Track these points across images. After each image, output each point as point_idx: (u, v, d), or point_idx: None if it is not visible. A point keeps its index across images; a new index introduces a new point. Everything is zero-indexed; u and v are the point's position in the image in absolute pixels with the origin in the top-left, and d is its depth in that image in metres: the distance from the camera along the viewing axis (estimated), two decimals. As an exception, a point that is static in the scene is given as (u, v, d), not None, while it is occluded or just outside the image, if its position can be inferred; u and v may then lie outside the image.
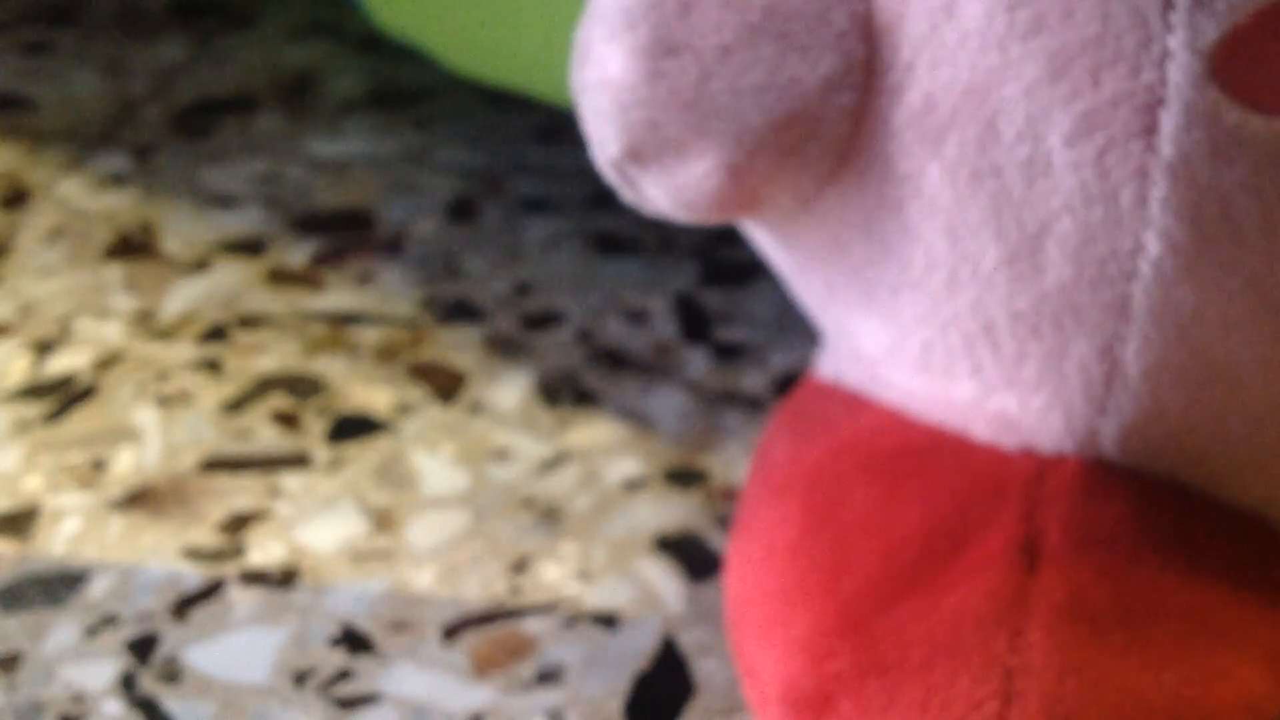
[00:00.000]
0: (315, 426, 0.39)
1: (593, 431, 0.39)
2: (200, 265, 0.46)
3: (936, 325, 0.29)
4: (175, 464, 0.38)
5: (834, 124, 0.27)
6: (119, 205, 0.49)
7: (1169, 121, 0.25)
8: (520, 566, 0.35)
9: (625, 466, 0.38)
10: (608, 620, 0.33)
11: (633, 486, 0.37)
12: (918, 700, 0.26)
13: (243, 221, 0.48)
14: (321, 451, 0.38)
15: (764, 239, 0.32)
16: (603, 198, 0.48)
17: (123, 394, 0.40)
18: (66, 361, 0.42)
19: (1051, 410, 0.29)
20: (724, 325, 0.43)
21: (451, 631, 0.33)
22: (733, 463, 0.38)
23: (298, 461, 0.38)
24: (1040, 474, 0.29)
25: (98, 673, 0.32)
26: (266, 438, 0.39)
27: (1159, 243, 0.26)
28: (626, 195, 0.29)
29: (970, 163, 0.27)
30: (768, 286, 0.44)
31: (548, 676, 0.32)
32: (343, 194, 0.49)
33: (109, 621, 0.33)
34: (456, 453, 0.38)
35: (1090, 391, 0.28)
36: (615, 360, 0.41)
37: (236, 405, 0.40)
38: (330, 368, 0.41)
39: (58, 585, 0.34)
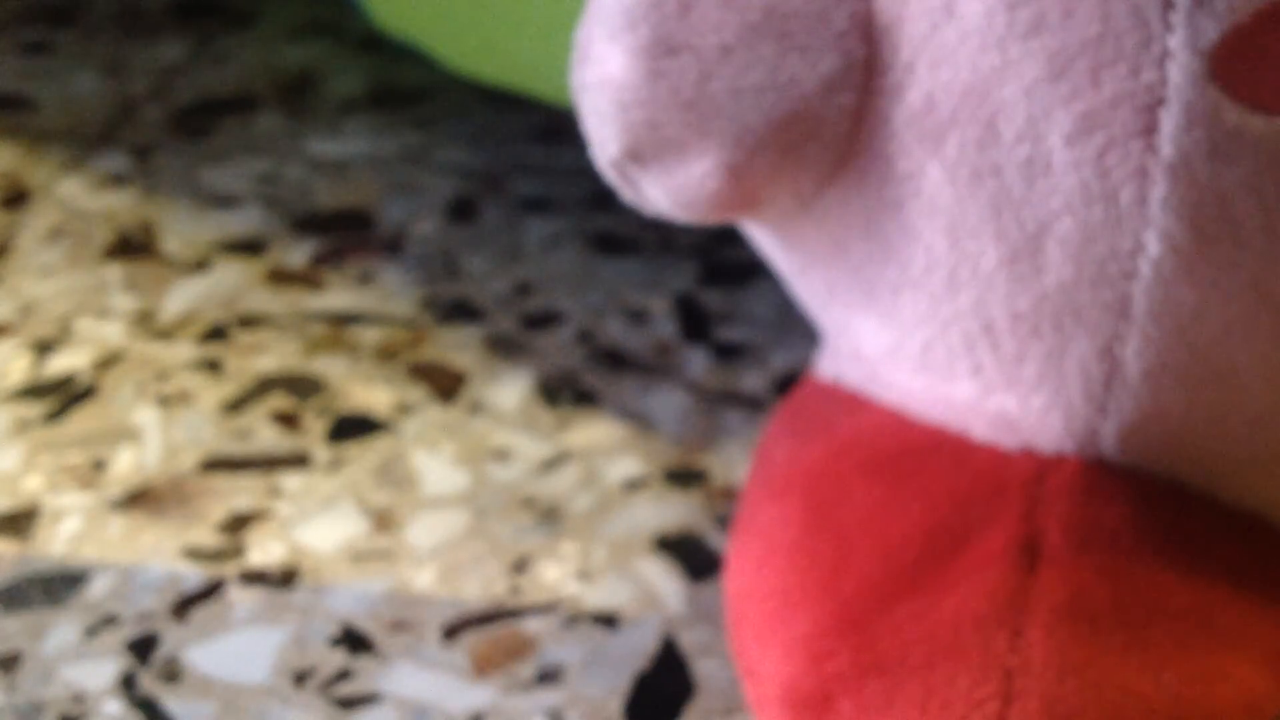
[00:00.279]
0: (315, 426, 0.39)
1: (593, 431, 0.39)
2: (200, 265, 0.46)
3: (936, 325, 0.29)
4: (175, 464, 0.38)
5: (834, 124, 0.27)
6: (119, 205, 0.49)
7: (1169, 121, 0.25)
8: (520, 566, 0.35)
9: (625, 466, 0.38)
10: (608, 620, 0.33)
11: (633, 486, 0.37)
12: (918, 700, 0.26)
13: (243, 221, 0.48)
14: (321, 451, 0.38)
15: (764, 239, 0.32)
16: (603, 198, 0.48)
17: (123, 394, 0.40)
18: (66, 361, 0.42)
19: (1051, 410, 0.29)
20: (724, 325, 0.43)
21: (451, 631, 0.33)
22: (733, 463, 0.38)
23: (298, 461, 0.38)
24: (1040, 474, 0.29)
25: (98, 673, 0.32)
26: (266, 438, 0.39)
27: (1159, 243, 0.26)
28: (626, 195, 0.29)
29: (970, 162, 0.27)
30: (768, 286, 0.44)
31: (548, 676, 0.32)
32: (343, 194, 0.49)
33: (109, 621, 0.33)
34: (456, 453, 0.38)
35: (1090, 391, 0.28)
36: (615, 360, 0.41)
37: (236, 405, 0.40)
38: (330, 368, 0.41)
39: (58, 585, 0.34)
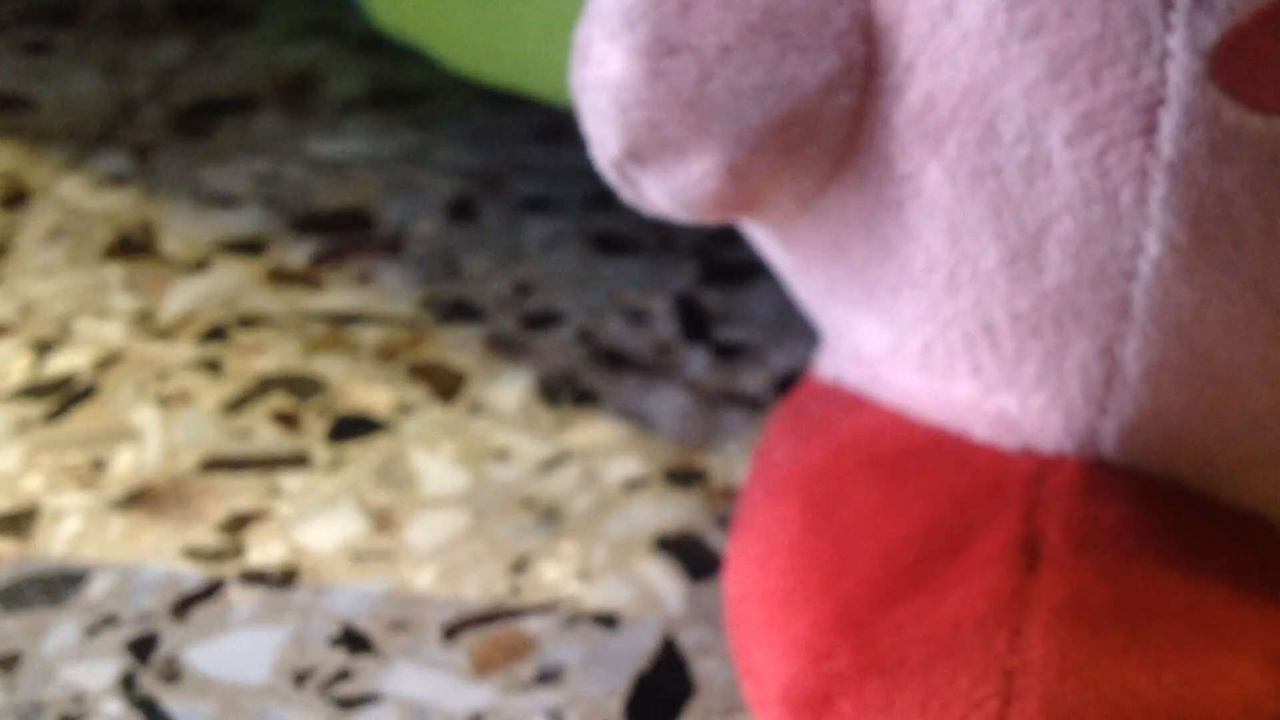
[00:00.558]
0: (315, 426, 0.39)
1: (593, 431, 0.39)
2: (200, 265, 0.46)
3: (936, 325, 0.29)
4: (175, 464, 0.38)
5: (834, 124, 0.27)
6: (119, 205, 0.49)
7: (1169, 121, 0.25)
8: (520, 566, 0.35)
9: (625, 466, 0.38)
10: (608, 620, 0.33)
11: (632, 486, 0.37)
12: (918, 700, 0.26)
13: (243, 221, 0.48)
14: (321, 451, 0.38)
15: (764, 239, 0.32)
16: (603, 198, 0.48)
17: (123, 394, 0.40)
18: (66, 361, 0.42)
19: (1051, 410, 0.29)
20: (724, 325, 0.43)
21: (451, 631, 0.33)
22: (733, 463, 0.38)
23: (298, 461, 0.38)
24: (1040, 474, 0.29)
25: (98, 673, 0.32)
26: (266, 438, 0.39)
27: (1159, 243, 0.26)
28: (626, 195, 0.29)
29: (970, 162, 0.27)
30: (768, 286, 0.44)
31: (548, 676, 0.32)
32: (343, 194, 0.49)
33: (109, 621, 0.33)
34: (456, 453, 0.38)
35: (1090, 391, 0.28)
36: (615, 360, 0.41)
37: (236, 405, 0.40)
38: (330, 368, 0.41)
39: (58, 585, 0.34)
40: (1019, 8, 0.25)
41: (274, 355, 0.42)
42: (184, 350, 0.42)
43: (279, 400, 0.40)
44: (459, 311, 0.43)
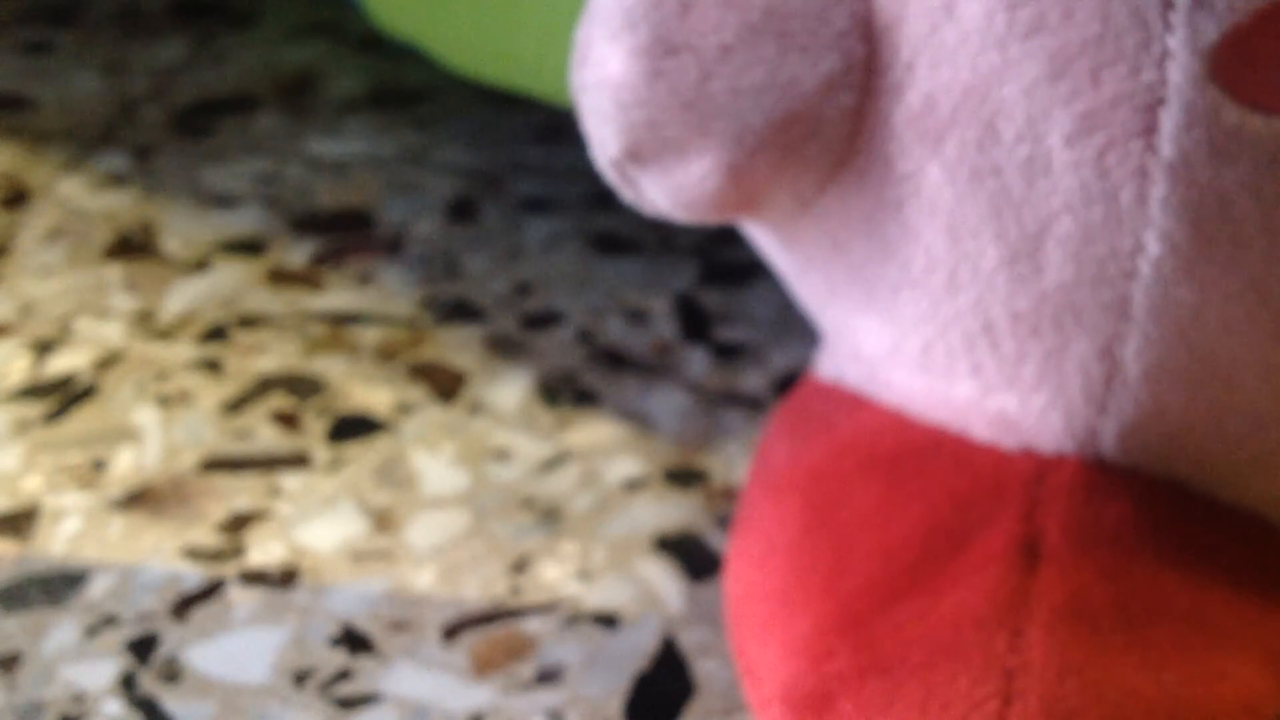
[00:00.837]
0: (315, 426, 0.39)
1: (593, 431, 0.39)
2: (200, 265, 0.46)
3: (936, 325, 0.29)
4: (175, 464, 0.38)
5: (834, 124, 0.27)
6: (119, 205, 0.49)
7: (1169, 121, 0.25)
8: (520, 566, 0.35)
9: (625, 466, 0.38)
10: (608, 620, 0.33)
11: (633, 486, 0.37)
12: (918, 700, 0.26)
13: (243, 221, 0.48)
14: (321, 451, 0.38)
15: (764, 239, 0.32)
16: (603, 198, 0.48)
17: (123, 394, 0.40)
18: (66, 361, 0.42)
19: (1051, 410, 0.29)
20: (724, 325, 0.43)
21: (451, 631, 0.33)
22: (733, 463, 0.38)
23: (298, 461, 0.38)
24: (1040, 474, 0.29)
25: (98, 673, 0.32)
26: (266, 438, 0.39)
27: (1159, 243, 0.26)
28: (626, 195, 0.29)
29: (970, 163, 0.27)
30: (768, 286, 0.44)
31: (548, 676, 0.32)
32: (343, 194, 0.49)
33: (109, 621, 0.33)
34: (456, 453, 0.38)
35: (1090, 391, 0.28)
36: (615, 360, 0.41)
37: (236, 405, 0.40)
38: (330, 368, 0.41)
39: (58, 585, 0.34)
40: (1019, 8, 0.25)
41: (274, 355, 0.42)
42: (184, 350, 0.42)
43: (279, 400, 0.40)
44: (459, 311, 0.43)
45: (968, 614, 0.27)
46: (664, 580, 0.34)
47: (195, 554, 0.35)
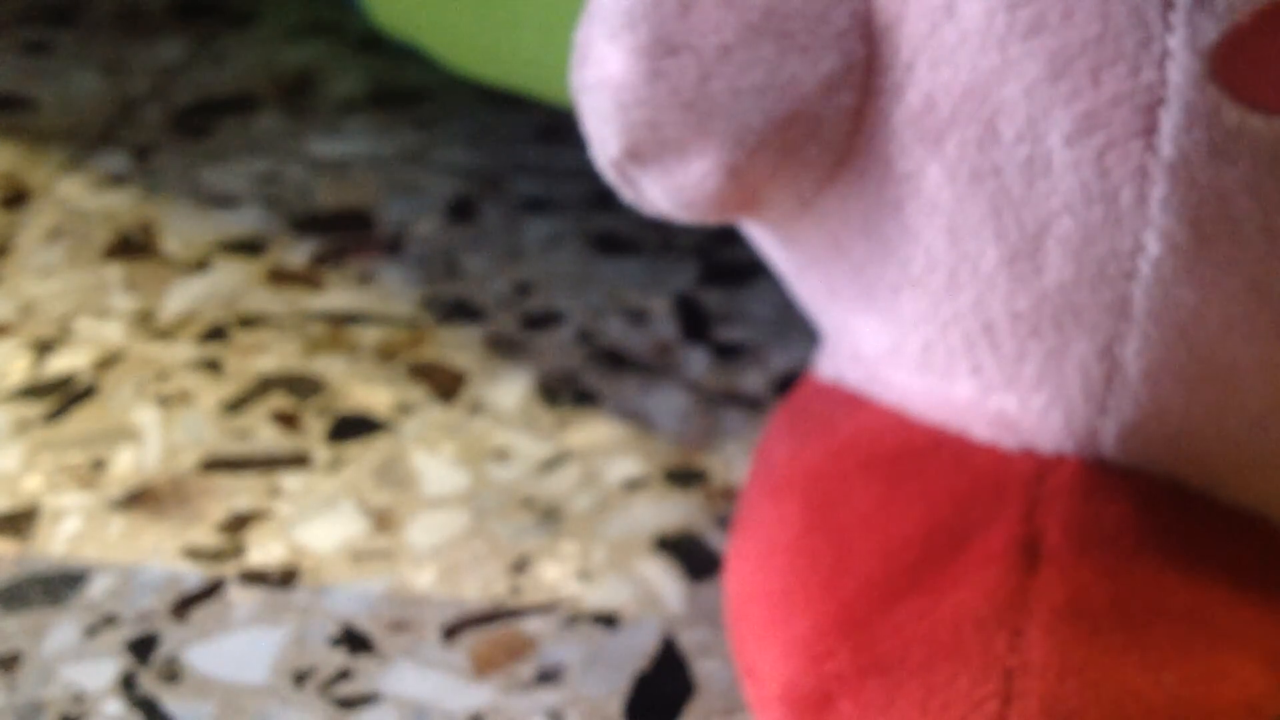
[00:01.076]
0: (315, 426, 0.39)
1: (593, 431, 0.39)
2: (200, 265, 0.46)
3: (937, 325, 0.29)
4: (175, 464, 0.38)
5: (834, 124, 0.27)
6: (119, 205, 0.49)
7: (1169, 121, 0.25)
8: (520, 566, 0.35)
9: (625, 466, 0.38)
10: (608, 620, 0.33)
11: (633, 486, 0.37)
12: (918, 700, 0.26)
13: (243, 221, 0.48)
14: (321, 451, 0.38)
15: (764, 239, 0.32)
16: (603, 198, 0.48)
17: (123, 394, 0.40)
18: (66, 361, 0.42)
19: (1051, 410, 0.29)
20: (724, 325, 0.43)
21: (451, 631, 0.33)
22: (733, 463, 0.38)
23: (298, 461, 0.38)
24: (1040, 474, 0.29)
25: (98, 673, 0.32)
26: (266, 438, 0.39)
27: (1159, 243, 0.26)
28: (626, 195, 0.29)
29: (970, 163, 0.27)
30: (768, 286, 0.44)
31: (548, 676, 0.32)
32: (343, 194, 0.49)
33: (109, 621, 0.33)
34: (456, 453, 0.38)
35: (1090, 391, 0.28)
36: (615, 360, 0.41)
37: (236, 405, 0.40)
38: (330, 368, 0.41)
39: (58, 585, 0.34)
40: (1019, 8, 0.25)
41: (274, 355, 0.42)
42: (184, 350, 0.42)
43: (279, 400, 0.40)
44: (459, 311, 0.43)
45: (968, 614, 0.27)
46: (664, 580, 0.34)
47: (195, 554, 0.35)
